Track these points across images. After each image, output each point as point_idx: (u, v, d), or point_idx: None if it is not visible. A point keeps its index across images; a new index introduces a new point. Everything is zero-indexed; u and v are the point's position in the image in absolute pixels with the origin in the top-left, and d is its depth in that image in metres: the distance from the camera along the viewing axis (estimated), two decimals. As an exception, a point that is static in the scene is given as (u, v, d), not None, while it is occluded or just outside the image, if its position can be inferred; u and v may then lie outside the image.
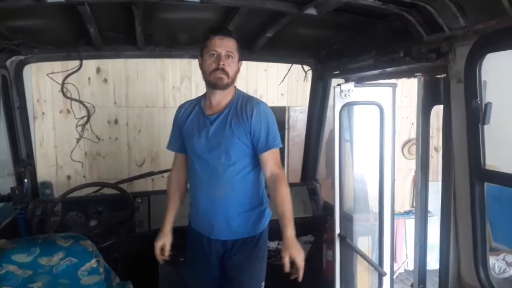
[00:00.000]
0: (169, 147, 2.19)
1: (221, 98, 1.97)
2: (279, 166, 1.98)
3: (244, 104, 1.96)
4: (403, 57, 1.77)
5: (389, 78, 2.28)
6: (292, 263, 1.79)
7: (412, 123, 5.12)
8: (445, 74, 1.61)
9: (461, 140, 1.53)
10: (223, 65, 1.86)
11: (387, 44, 1.95)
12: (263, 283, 2.16)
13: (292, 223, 1.87)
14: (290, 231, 1.83)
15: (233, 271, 2.06)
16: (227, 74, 1.88)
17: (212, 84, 1.92)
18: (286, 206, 1.90)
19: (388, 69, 2.09)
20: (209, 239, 2.05)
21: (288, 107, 5.39)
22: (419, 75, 1.79)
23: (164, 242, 2.05)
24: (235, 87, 2.03)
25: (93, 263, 1.82)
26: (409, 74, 1.91)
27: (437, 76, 1.69)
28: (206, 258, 2.07)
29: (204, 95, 2.06)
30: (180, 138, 2.09)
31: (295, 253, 1.78)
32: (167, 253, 2.06)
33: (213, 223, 2.00)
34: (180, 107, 2.13)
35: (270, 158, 1.94)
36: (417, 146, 1.82)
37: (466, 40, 1.47)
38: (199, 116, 2.02)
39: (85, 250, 1.81)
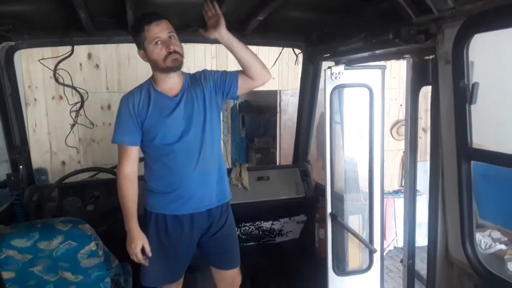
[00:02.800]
0: (123, 141, 1.98)
1: (174, 83, 1.99)
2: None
3: (194, 77, 2.05)
4: (392, 39, 1.80)
5: (379, 60, 2.31)
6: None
7: (401, 105, 5.19)
8: (434, 55, 1.65)
9: (449, 119, 1.58)
10: (173, 48, 1.87)
11: (377, 26, 1.97)
12: None
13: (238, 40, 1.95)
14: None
15: (227, 236, 2.16)
16: (179, 53, 1.90)
17: (169, 69, 1.91)
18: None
19: (378, 51, 2.12)
20: (191, 218, 2.04)
21: (279, 91, 5.42)
22: (408, 57, 1.82)
23: (142, 243, 1.97)
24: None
25: (92, 246, 1.86)
26: (398, 55, 1.94)
27: (426, 58, 1.72)
28: (184, 241, 2.07)
29: (150, 83, 2.00)
30: (137, 130, 1.96)
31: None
32: (149, 253, 1.98)
33: (202, 195, 2.03)
34: (129, 98, 1.98)
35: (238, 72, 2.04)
36: (406, 127, 1.87)
37: (454, 21, 1.49)
38: (161, 101, 1.97)
39: (84, 233, 1.84)
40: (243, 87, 2.04)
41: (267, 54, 4.56)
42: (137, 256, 1.97)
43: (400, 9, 1.72)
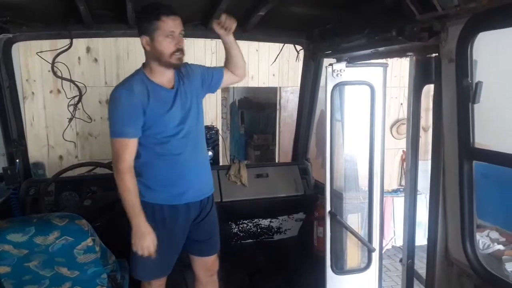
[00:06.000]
0: (125, 133, 1.90)
1: (170, 76, 2.01)
2: None
3: (181, 70, 2.05)
4: (395, 36, 1.78)
5: (381, 57, 2.29)
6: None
7: (401, 104, 5.18)
8: (437, 54, 1.62)
9: (451, 118, 1.56)
10: (182, 46, 1.90)
11: (380, 23, 1.95)
12: None
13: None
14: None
15: (211, 223, 2.21)
16: (183, 53, 1.93)
17: (172, 65, 1.92)
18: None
19: (380, 49, 2.10)
20: (187, 207, 2.06)
21: (280, 88, 5.39)
22: (411, 55, 1.80)
23: (152, 238, 1.93)
24: None
25: (88, 242, 1.84)
26: (401, 53, 1.92)
27: (429, 56, 1.70)
28: (178, 230, 2.08)
29: (143, 74, 1.95)
30: (140, 121, 1.90)
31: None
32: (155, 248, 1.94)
33: (200, 186, 2.10)
34: (128, 88, 1.90)
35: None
36: (407, 125, 1.85)
37: (458, 19, 1.47)
38: (160, 93, 1.95)
39: (81, 229, 1.82)
40: (225, 82, 2.23)
41: (267, 50, 4.56)
42: (150, 250, 1.92)
43: (403, 6, 1.70)
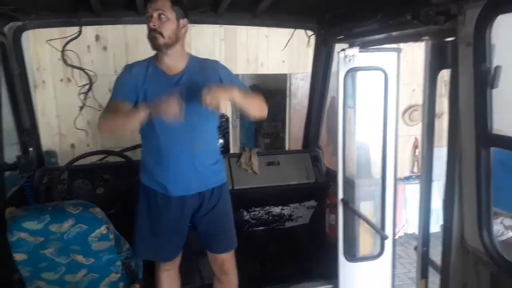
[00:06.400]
0: (114, 96, 1.98)
1: (172, 62, 2.01)
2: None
3: (203, 64, 2.06)
4: (410, 20, 1.73)
5: (395, 42, 2.24)
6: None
7: (413, 89, 5.09)
8: (454, 37, 1.58)
9: (468, 104, 1.52)
10: (154, 25, 1.90)
11: (393, 7, 1.90)
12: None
13: (244, 93, 1.91)
14: (235, 87, 1.90)
15: (218, 218, 2.15)
16: (160, 34, 1.91)
17: (151, 46, 1.96)
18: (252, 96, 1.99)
19: (394, 33, 2.05)
20: (183, 198, 2.04)
21: (290, 75, 5.33)
22: (427, 39, 1.75)
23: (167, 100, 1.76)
24: (188, 53, 2.09)
25: (103, 229, 1.86)
26: (415, 37, 1.87)
27: (445, 40, 1.66)
28: (174, 219, 2.07)
29: (155, 58, 2.04)
30: (132, 92, 1.96)
31: (214, 87, 1.81)
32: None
33: (190, 179, 2.04)
34: (129, 66, 2.06)
35: None
36: (423, 112, 1.81)
37: (476, 2, 1.43)
38: (159, 76, 2.00)
39: (95, 217, 1.84)
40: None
41: (277, 36, 4.50)
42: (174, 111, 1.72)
43: (418, -12, 1.65)
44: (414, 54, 4.75)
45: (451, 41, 1.61)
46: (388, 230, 2.41)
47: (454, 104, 1.63)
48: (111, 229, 1.93)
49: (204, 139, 2.07)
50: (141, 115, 1.79)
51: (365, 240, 2.54)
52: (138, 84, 1.98)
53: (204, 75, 2.01)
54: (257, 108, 2.00)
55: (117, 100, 1.97)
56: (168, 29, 1.92)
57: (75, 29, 2.63)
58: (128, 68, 2.05)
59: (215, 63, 2.11)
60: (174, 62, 2.01)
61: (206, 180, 2.10)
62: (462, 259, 1.66)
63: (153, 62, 2.03)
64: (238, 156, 3.14)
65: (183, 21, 1.98)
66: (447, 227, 1.69)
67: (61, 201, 2.17)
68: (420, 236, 1.85)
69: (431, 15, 1.64)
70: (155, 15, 1.90)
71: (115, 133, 1.94)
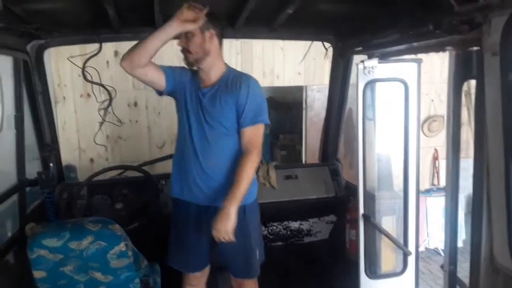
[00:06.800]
0: (163, 67, 2.05)
1: (206, 76, 2.05)
2: (254, 146, 2.01)
3: (234, 78, 2.03)
4: (432, 30, 1.69)
5: (416, 53, 2.19)
6: None
7: (432, 100, 5.00)
8: (479, 47, 1.53)
9: (495, 115, 1.47)
10: (182, 45, 1.97)
11: (414, 17, 1.87)
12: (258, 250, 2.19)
13: (237, 195, 1.90)
14: (227, 202, 1.88)
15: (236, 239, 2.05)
16: (189, 51, 1.97)
17: (185, 63, 2.05)
18: (240, 175, 1.94)
19: (415, 44, 2.01)
20: (203, 208, 2.07)
21: (306, 86, 5.32)
22: (450, 49, 1.71)
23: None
24: (226, 64, 2.09)
25: (121, 246, 1.84)
26: (438, 48, 1.82)
27: (469, 49, 1.61)
28: (191, 229, 2.10)
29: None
30: (173, 76, 2.07)
31: (216, 224, 1.86)
32: None
33: (205, 190, 2.05)
34: (183, 67, 2.13)
35: (246, 135, 2.02)
36: (448, 123, 1.76)
37: (502, 10, 1.38)
38: (194, 85, 2.08)
39: (114, 234, 1.82)
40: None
41: (293, 48, 4.50)
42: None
43: (440, -2, 1.62)
44: (433, 64, 4.68)
45: (476, 50, 1.56)
46: (411, 246, 2.32)
47: (480, 115, 1.58)
48: (130, 246, 1.91)
49: (219, 154, 2.04)
50: (173, 28, 1.85)
51: (387, 256, 2.46)
52: (182, 81, 2.08)
53: (227, 90, 2.01)
54: (251, 177, 2.02)
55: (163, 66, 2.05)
56: (194, 45, 1.95)
57: (94, 46, 2.67)
58: (183, 67, 2.12)
59: (244, 80, 2.02)
60: (207, 76, 2.05)
61: (221, 196, 1.99)
62: (492, 278, 1.58)
63: (197, 72, 2.10)
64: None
65: (210, 33, 1.96)
66: (475, 244, 1.62)
67: (81, 218, 2.18)
68: (446, 253, 1.77)
69: (454, 25, 1.60)
70: (185, 34, 1.93)
71: (139, 54, 1.89)
